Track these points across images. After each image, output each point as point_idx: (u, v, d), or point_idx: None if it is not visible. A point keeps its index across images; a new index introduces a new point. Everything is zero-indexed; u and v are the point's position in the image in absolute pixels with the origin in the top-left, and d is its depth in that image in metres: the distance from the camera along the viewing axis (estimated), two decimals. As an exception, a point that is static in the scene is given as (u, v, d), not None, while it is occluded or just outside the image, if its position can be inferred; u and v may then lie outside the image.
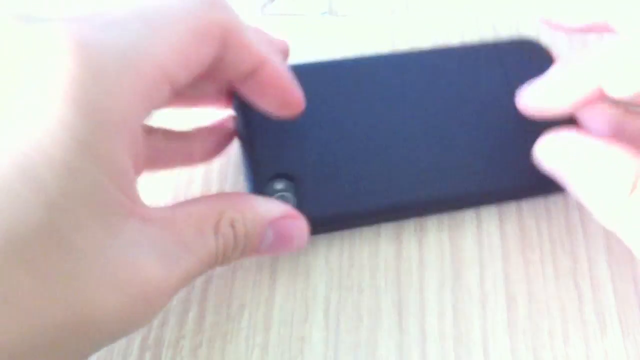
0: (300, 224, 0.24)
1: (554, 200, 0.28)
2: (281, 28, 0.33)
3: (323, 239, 0.27)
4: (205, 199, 0.22)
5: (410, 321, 0.26)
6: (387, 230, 0.28)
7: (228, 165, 0.29)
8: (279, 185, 0.25)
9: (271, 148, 0.26)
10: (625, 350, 0.25)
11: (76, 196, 0.17)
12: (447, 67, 0.28)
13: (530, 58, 0.29)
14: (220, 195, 0.24)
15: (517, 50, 0.29)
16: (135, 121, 0.18)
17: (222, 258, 0.22)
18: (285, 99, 0.24)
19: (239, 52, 0.21)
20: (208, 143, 0.27)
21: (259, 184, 0.25)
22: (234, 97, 0.27)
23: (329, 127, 0.27)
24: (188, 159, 0.27)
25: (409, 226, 0.28)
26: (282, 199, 0.25)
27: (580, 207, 0.28)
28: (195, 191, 0.29)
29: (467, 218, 0.28)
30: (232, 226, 0.22)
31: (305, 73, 0.26)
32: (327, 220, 0.26)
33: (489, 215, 0.28)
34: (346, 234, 0.27)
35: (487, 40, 0.30)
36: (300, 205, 0.25)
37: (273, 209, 0.23)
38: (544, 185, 0.26)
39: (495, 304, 0.26)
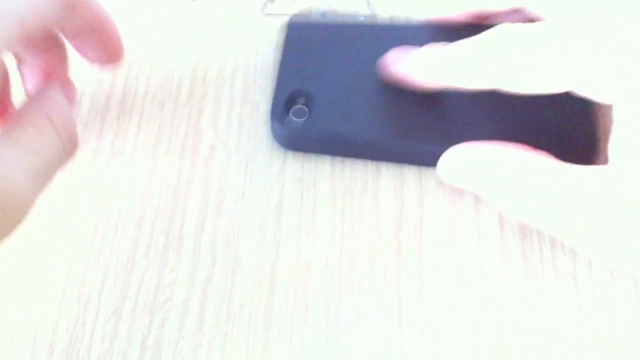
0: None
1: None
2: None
3: (323, 238, 0.27)
4: (30, 103, 0.25)
5: (410, 321, 0.26)
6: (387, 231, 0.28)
7: (228, 165, 0.29)
8: (299, 98, 0.29)
9: (295, 69, 0.30)
10: (624, 350, 0.25)
11: None
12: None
13: None
14: (39, 93, 0.26)
15: None
16: None
17: (68, 147, 0.24)
18: (110, 50, 0.27)
19: (83, 10, 0.25)
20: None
21: (279, 95, 0.29)
22: (287, 25, 0.32)
23: (350, 64, 0.30)
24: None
25: (409, 226, 0.28)
26: (299, 110, 0.29)
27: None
28: (195, 191, 0.29)
29: (467, 218, 0.28)
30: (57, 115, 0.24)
31: (337, 26, 0.32)
32: (332, 137, 0.29)
33: (489, 215, 0.28)
34: (346, 233, 0.28)
35: None
36: (312, 119, 0.29)
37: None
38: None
39: (495, 303, 0.26)
